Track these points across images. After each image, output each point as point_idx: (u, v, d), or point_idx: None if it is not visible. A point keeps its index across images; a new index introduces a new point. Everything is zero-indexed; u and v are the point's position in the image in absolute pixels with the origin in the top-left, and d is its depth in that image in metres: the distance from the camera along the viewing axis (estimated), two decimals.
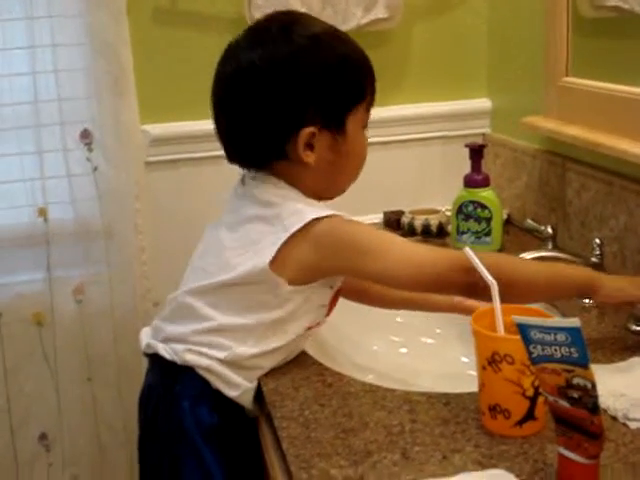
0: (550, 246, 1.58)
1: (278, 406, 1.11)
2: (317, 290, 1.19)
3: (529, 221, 1.68)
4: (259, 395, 1.19)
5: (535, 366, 0.86)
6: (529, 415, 0.98)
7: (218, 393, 1.18)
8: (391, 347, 1.48)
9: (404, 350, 1.48)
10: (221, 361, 1.17)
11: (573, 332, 0.81)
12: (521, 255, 1.39)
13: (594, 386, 0.81)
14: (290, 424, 1.05)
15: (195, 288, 1.21)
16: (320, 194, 1.22)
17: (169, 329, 1.23)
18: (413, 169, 1.96)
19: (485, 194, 1.68)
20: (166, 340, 1.22)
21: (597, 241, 1.44)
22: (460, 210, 1.69)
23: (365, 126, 1.23)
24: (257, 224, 1.17)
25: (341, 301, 1.28)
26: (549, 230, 1.59)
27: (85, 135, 1.79)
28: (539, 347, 0.84)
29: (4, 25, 1.72)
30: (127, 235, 1.82)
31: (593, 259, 1.43)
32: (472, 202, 1.67)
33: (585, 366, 0.81)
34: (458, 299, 1.27)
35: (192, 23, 1.84)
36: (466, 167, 1.71)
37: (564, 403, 0.84)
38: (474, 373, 1.02)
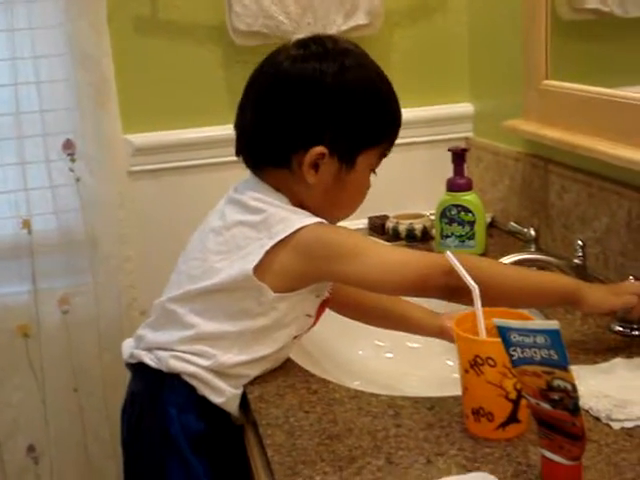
0: (533, 248, 1.59)
1: (263, 413, 1.11)
2: (303, 299, 1.19)
3: (512, 224, 1.69)
4: (244, 402, 1.19)
5: (516, 369, 0.87)
6: (512, 418, 0.98)
7: (204, 400, 1.18)
8: (377, 352, 1.48)
9: (390, 355, 1.48)
10: (206, 368, 1.17)
11: (552, 334, 0.81)
12: (504, 258, 1.39)
13: (574, 388, 0.82)
14: (275, 431, 1.05)
15: (179, 295, 1.21)
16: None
17: (153, 337, 1.23)
18: (397, 174, 1.96)
19: (468, 198, 1.68)
20: (150, 348, 1.22)
21: (579, 243, 1.44)
22: (444, 214, 1.69)
23: (373, 170, 1.24)
24: (243, 230, 1.17)
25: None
26: (532, 232, 1.60)
27: (68, 146, 1.78)
28: (519, 350, 0.85)
29: None
30: (111, 245, 1.81)
31: (576, 261, 1.43)
32: (455, 206, 1.68)
33: (565, 368, 0.82)
34: (446, 325, 1.27)
35: (173, 32, 1.84)
36: (449, 171, 1.71)
37: (545, 405, 0.85)
38: (459, 377, 1.02)
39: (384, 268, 1.14)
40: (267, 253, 1.13)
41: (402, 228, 1.82)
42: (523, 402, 0.96)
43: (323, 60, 1.17)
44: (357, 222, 1.88)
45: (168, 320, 1.22)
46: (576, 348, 1.21)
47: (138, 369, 1.24)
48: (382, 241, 1.27)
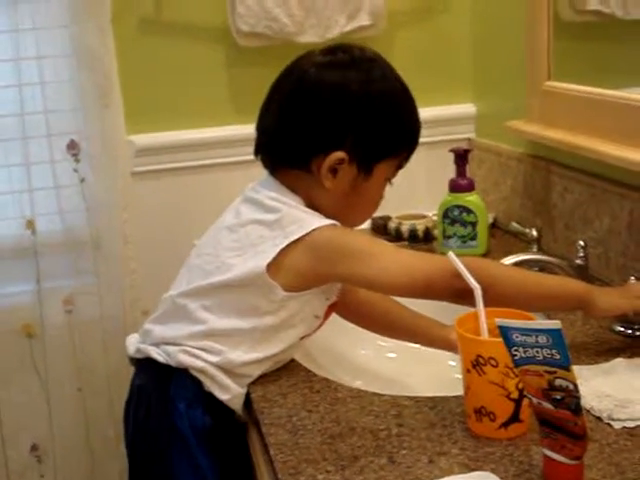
0: (535, 249, 1.59)
1: (266, 413, 1.11)
2: (312, 299, 1.20)
3: (514, 224, 1.69)
4: (247, 401, 1.20)
5: (518, 368, 0.87)
6: (514, 417, 0.98)
7: (211, 396, 1.19)
8: (379, 352, 1.49)
9: (392, 355, 1.48)
10: (214, 364, 1.18)
11: (554, 334, 0.82)
12: (506, 258, 1.39)
13: (576, 387, 0.83)
14: (278, 430, 1.06)
15: (190, 289, 1.22)
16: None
17: (161, 331, 1.23)
18: (399, 174, 1.96)
19: (470, 198, 1.69)
20: (158, 343, 1.23)
21: (581, 243, 1.45)
22: (446, 215, 1.70)
23: (389, 180, 1.25)
24: (258, 228, 1.19)
25: None
26: (534, 233, 1.61)
27: (72, 146, 1.79)
28: (521, 349, 0.85)
29: None
30: (115, 245, 1.82)
31: (577, 261, 1.44)
32: (457, 207, 1.69)
33: (567, 367, 0.82)
34: (454, 337, 1.27)
35: (177, 33, 1.85)
36: (451, 172, 1.72)
37: (547, 405, 0.85)
38: (461, 377, 1.03)
39: (393, 270, 1.15)
40: (280, 252, 1.14)
41: (404, 229, 1.82)
42: (525, 402, 0.97)
43: (350, 68, 1.19)
44: None
45: (177, 315, 1.22)
46: (578, 348, 1.21)
47: (144, 364, 1.24)
48: (391, 244, 1.29)
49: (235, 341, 1.19)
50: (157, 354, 1.22)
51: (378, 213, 1.88)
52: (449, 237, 1.70)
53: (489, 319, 1.01)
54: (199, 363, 1.18)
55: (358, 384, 1.23)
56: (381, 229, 1.88)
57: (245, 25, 1.79)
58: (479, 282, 1.05)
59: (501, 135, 1.83)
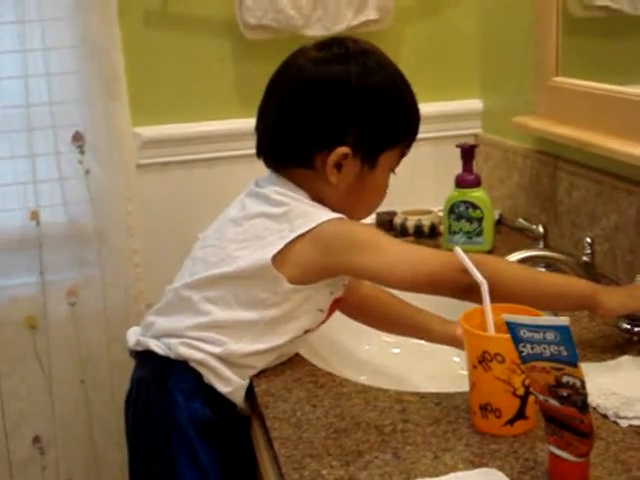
0: (541, 245, 1.58)
1: (270, 407, 1.11)
2: (317, 293, 1.20)
3: (520, 220, 1.68)
4: (251, 395, 1.20)
5: (525, 365, 0.87)
6: (520, 414, 0.98)
7: (211, 388, 1.19)
8: (384, 347, 1.48)
9: (397, 350, 1.48)
10: (215, 356, 1.18)
11: (562, 330, 0.81)
12: (511, 254, 1.39)
13: (583, 384, 0.82)
14: (282, 425, 1.05)
15: (194, 281, 1.21)
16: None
17: (162, 323, 1.23)
18: (405, 169, 1.95)
19: (476, 194, 1.68)
20: (158, 336, 1.23)
21: (588, 240, 1.44)
22: (452, 210, 1.69)
23: (393, 170, 1.26)
24: (264, 221, 1.19)
25: None
26: (540, 229, 1.59)
27: (77, 138, 1.79)
28: (529, 346, 0.85)
29: None
30: (119, 238, 1.82)
31: (584, 258, 1.43)
32: (463, 202, 1.68)
33: (574, 364, 0.82)
34: (458, 333, 1.25)
35: (183, 25, 1.84)
36: (458, 167, 1.71)
37: (554, 402, 0.85)
38: (466, 373, 1.02)
39: (398, 264, 1.16)
40: (287, 245, 1.14)
41: (410, 224, 1.82)
42: (531, 398, 0.96)
43: (346, 62, 1.19)
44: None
45: (181, 306, 1.22)
46: (584, 345, 1.21)
47: (144, 357, 1.24)
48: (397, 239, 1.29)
49: (238, 332, 1.18)
50: (157, 346, 1.22)
51: (384, 208, 1.89)
52: (455, 233, 1.70)
53: (495, 315, 1.00)
54: (199, 355, 1.18)
55: (362, 379, 1.23)
56: (387, 224, 1.88)
57: (252, 18, 1.79)
58: (485, 278, 1.04)
59: (508, 131, 1.82)
